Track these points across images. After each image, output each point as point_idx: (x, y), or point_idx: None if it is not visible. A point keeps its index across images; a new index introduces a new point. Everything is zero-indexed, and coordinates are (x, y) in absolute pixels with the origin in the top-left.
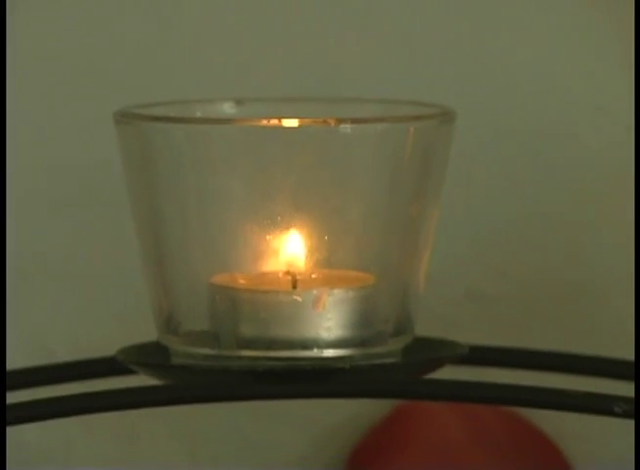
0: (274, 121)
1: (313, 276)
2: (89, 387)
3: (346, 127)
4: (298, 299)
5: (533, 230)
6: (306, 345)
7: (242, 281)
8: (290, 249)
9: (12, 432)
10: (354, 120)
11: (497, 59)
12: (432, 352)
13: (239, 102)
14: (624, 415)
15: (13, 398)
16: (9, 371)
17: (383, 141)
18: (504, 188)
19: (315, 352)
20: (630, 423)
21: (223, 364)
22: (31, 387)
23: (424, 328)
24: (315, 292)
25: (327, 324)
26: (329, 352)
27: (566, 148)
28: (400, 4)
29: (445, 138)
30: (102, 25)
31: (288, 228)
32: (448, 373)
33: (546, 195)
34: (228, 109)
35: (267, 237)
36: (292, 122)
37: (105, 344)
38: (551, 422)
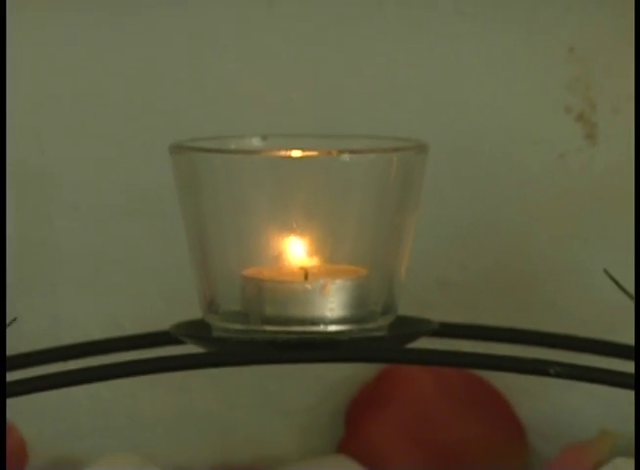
0: (291, 152)
1: (320, 270)
2: (151, 354)
3: (345, 157)
4: (309, 287)
5: (487, 233)
6: (315, 322)
7: (266, 274)
8: (302, 249)
9: (91, 388)
10: (351, 151)
11: (460, 103)
12: (410, 327)
13: (264, 137)
14: (557, 376)
15: (94, 361)
16: (88, 342)
17: (373, 167)
18: (465, 201)
19: (322, 328)
20: (566, 382)
21: (251, 337)
22: (106, 353)
23: (404, 309)
24: (322, 281)
25: (330, 306)
26: (332, 328)
27: (512, 170)
28: (386, 68)
29: (421, 164)
30: (162, 76)
31: (301, 234)
32: (423, 343)
33: (496, 207)
34: (255, 142)
35: (285, 240)
36: (304, 153)
37: (162, 321)
38: (502, 380)
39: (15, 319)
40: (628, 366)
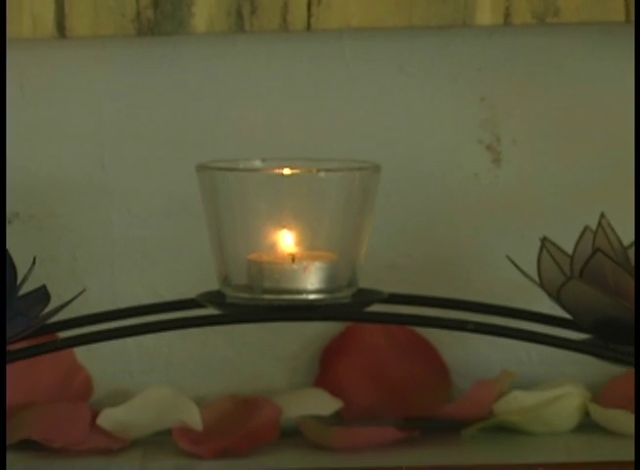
0: (283, 171)
1: (303, 255)
2: (182, 315)
3: (322, 174)
4: (295, 267)
5: (423, 230)
6: (299, 292)
7: (265, 258)
8: (291, 240)
9: (138, 339)
10: (326, 170)
11: (403, 137)
12: (367, 296)
13: (263, 160)
14: (472, 331)
15: (140, 320)
16: (136, 306)
17: (341, 181)
18: (407, 207)
19: (304, 296)
20: (478, 336)
21: (254, 303)
22: (149, 315)
23: (363, 284)
24: (304, 264)
25: (311, 281)
26: (312, 296)
27: (441, 185)
28: (350, 112)
29: (375, 180)
30: (191, 115)
31: (290, 229)
32: (376, 308)
33: (430, 211)
34: (257, 163)
35: (278, 234)
36: (292, 171)
37: (190, 292)
38: (432, 334)
39: (84, 290)
40: (521, 324)
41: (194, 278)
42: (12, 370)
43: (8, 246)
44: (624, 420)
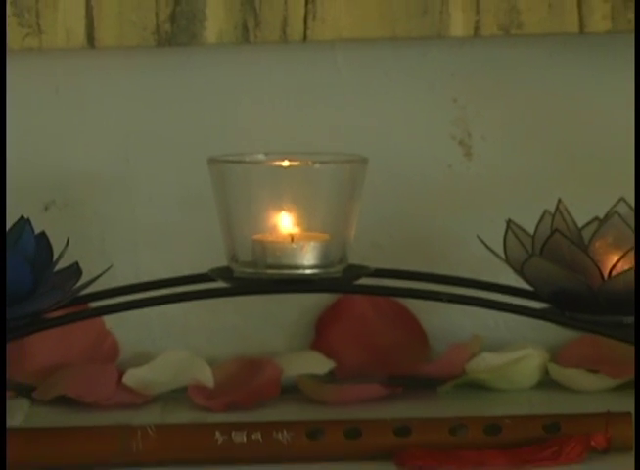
0: (283, 163)
1: (301, 236)
2: (197, 287)
3: (317, 166)
4: (294, 246)
5: (404, 215)
6: (297, 267)
7: (267, 238)
8: (290, 223)
9: (159, 308)
10: (320, 163)
11: (387, 133)
12: (356, 271)
13: (266, 154)
14: (447, 301)
15: (160, 293)
16: (157, 280)
17: (334, 172)
18: (390, 195)
19: (301, 271)
20: (451, 305)
21: (258, 277)
22: (170, 287)
23: (352, 260)
24: (302, 243)
25: (307, 258)
26: (308, 271)
27: (419, 175)
28: (341, 112)
29: (363, 171)
30: (205, 116)
31: (289, 213)
32: (363, 281)
33: (410, 198)
34: (261, 157)
35: (279, 217)
36: (291, 163)
37: (204, 267)
38: (412, 304)
39: (111, 266)
40: (489, 295)
41: (206, 256)
42: (49, 336)
43: (46, 229)
44: (579, 378)
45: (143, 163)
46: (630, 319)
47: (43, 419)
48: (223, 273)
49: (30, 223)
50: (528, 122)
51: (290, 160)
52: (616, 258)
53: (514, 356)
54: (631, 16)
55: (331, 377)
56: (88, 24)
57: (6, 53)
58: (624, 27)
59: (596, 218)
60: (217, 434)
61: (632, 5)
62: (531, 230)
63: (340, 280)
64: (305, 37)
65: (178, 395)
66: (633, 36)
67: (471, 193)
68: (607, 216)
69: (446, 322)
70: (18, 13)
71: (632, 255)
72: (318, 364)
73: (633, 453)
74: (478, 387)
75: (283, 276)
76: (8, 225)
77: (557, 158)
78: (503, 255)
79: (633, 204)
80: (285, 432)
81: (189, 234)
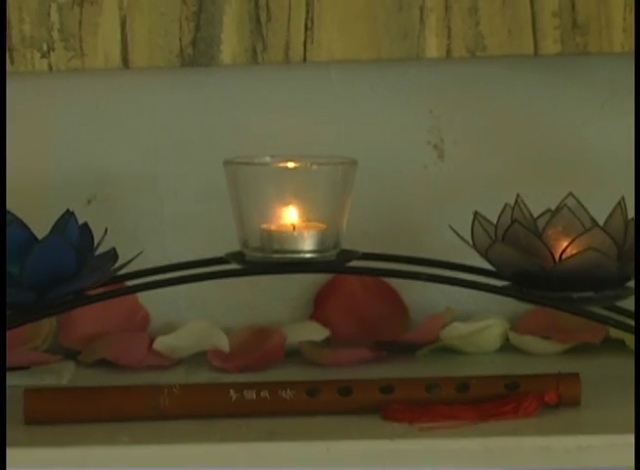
0: (287, 164)
1: (301, 225)
2: (214, 269)
3: (315, 167)
4: (296, 234)
5: (387, 208)
6: (298, 252)
7: (273, 227)
8: (293, 214)
9: (183, 286)
10: (317, 164)
11: (373, 140)
12: (347, 255)
13: (272, 157)
14: (425, 279)
15: (185, 273)
16: (182, 262)
17: (330, 173)
18: (375, 191)
19: (302, 255)
20: (428, 284)
21: (266, 260)
22: (192, 268)
23: (344, 246)
24: (302, 231)
25: (307, 244)
26: (307, 255)
27: (399, 174)
28: (334, 122)
29: (353, 171)
30: (221, 126)
31: (292, 206)
32: (354, 264)
33: (391, 194)
34: (268, 159)
35: (284, 210)
36: (293, 164)
37: (220, 252)
38: (395, 282)
39: (142, 251)
40: (460, 275)
41: (222, 242)
42: (91, 309)
43: (88, 221)
44: (534, 343)
45: (169, 164)
46: (577, 294)
47: (86, 379)
48: (236, 257)
49: (75, 215)
50: (492, 130)
51: (292, 162)
52: (565, 243)
53: (480, 326)
54: (579, 40)
55: (327, 343)
56: (123, 48)
57: (6, 54)
58: (572, 50)
59: (548, 210)
60: (231, 392)
61: (579, 31)
62: (494, 220)
63: (334, 262)
64: (305, 59)
65: (199, 358)
66: (579, 58)
67: (443, 189)
68: (558, 208)
69: (424, 297)
70: (64, 38)
71: (579, 241)
72: (316, 332)
73: (580, 408)
74: (450, 351)
75: (286, 259)
76: (55, 217)
77: (515, 160)
78: (471, 241)
79: (582, 198)
80: (288, 390)
81: (208, 224)
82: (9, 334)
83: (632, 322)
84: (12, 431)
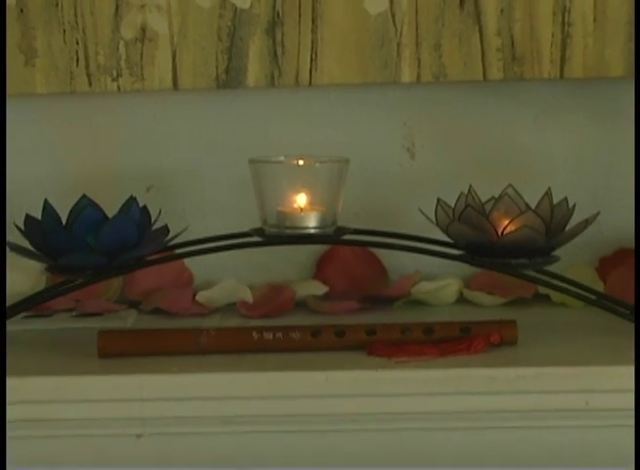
0: (297, 161)
1: (307, 208)
2: (242, 240)
3: (318, 164)
4: (303, 215)
5: (372, 197)
6: (305, 228)
7: (286, 209)
8: (301, 200)
9: (218, 254)
10: (320, 162)
11: (359, 145)
12: (342, 230)
13: (285, 156)
14: (400, 249)
15: (220, 243)
16: (218, 235)
17: (329, 169)
18: (363, 184)
19: (307, 231)
20: (401, 252)
21: (280, 234)
22: (225, 240)
23: (340, 223)
24: (308, 212)
25: (311, 222)
26: (312, 231)
27: (381, 171)
28: (330, 136)
29: (346, 168)
30: (247, 136)
31: (300, 194)
32: (347, 237)
33: (375, 185)
34: (282, 158)
35: (294, 197)
36: (301, 162)
37: (245, 227)
38: (378, 251)
39: (187, 227)
40: (427, 246)
41: (247, 220)
42: (149, 270)
43: (147, 204)
44: (481, 297)
45: (208, 161)
46: (514, 261)
47: (144, 323)
48: (258, 231)
49: (137, 200)
50: (452, 137)
51: (300, 160)
52: (506, 222)
53: (441, 284)
54: (517, 69)
55: (325, 297)
56: (173, 74)
57: (6, 57)
58: (511, 77)
59: (493, 197)
60: (254, 333)
61: (517, 62)
62: (453, 205)
63: (331, 236)
64: (310, 83)
65: (230, 308)
66: (517, 83)
67: (414, 182)
68: (500, 196)
69: (399, 262)
70: (129, 67)
71: (516, 221)
72: (317, 289)
73: (517, 347)
74: (418, 303)
75: (296, 233)
76: (122, 201)
77: (469, 159)
78: (435, 220)
79: (519, 188)
80: (296, 332)
81: (237, 206)
82: (88, 288)
83: (556, 281)
84: (88, 363)
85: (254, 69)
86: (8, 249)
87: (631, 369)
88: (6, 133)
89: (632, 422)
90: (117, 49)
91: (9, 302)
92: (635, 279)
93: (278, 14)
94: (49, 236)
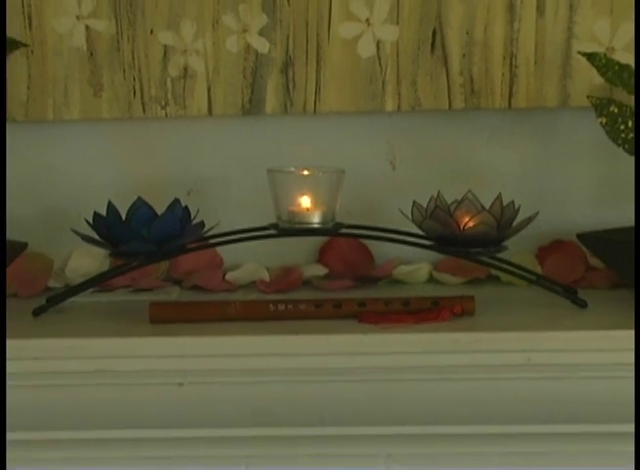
0: (303, 171)
1: (312, 207)
2: (260, 233)
3: (320, 174)
4: (309, 213)
5: (362, 199)
6: (310, 224)
7: (296, 208)
8: (306, 202)
9: (243, 244)
10: (322, 172)
11: (353, 163)
12: (338, 225)
13: (295, 167)
14: (385, 240)
15: (242, 235)
16: (242, 229)
17: (329, 177)
18: (355, 190)
19: (312, 226)
20: (386, 244)
21: (291, 228)
22: (247, 232)
23: (337, 220)
24: (312, 211)
25: (315, 219)
26: (315, 226)
27: (370, 179)
28: (331, 157)
29: (343, 177)
30: (265, 153)
31: (306, 196)
32: (343, 231)
33: (363, 190)
34: (293, 169)
35: (301, 199)
36: (307, 172)
37: (263, 222)
38: (367, 242)
39: (218, 222)
40: (405, 237)
41: (265, 217)
42: (189, 256)
43: (188, 204)
44: (447, 278)
45: (235, 170)
46: (473, 249)
47: (185, 297)
48: (273, 226)
49: (180, 201)
50: (425, 154)
51: (307, 170)
52: (466, 220)
53: (416, 267)
54: (475, 100)
55: (326, 277)
56: (209, 104)
57: (6, 59)
58: (471, 106)
59: (456, 200)
60: (270, 305)
61: (475, 95)
62: (425, 206)
63: (331, 230)
64: (315, 111)
65: (251, 285)
66: (475, 111)
67: (395, 188)
68: (462, 199)
69: (383, 250)
70: (174, 98)
71: (474, 219)
72: (320, 270)
73: (474, 316)
74: (398, 282)
75: (303, 228)
76: (168, 202)
77: (438, 171)
78: (411, 218)
79: (477, 193)
80: (303, 304)
81: (257, 206)
82: (142, 269)
83: (505, 265)
84: (141, 327)
85: (271, 100)
86: (79, 238)
87: (564, 334)
88: (6, 133)
89: (564, 375)
90: (165, 84)
91: (81, 280)
92: (635, 279)
93: (290, 57)
94: (112, 229)
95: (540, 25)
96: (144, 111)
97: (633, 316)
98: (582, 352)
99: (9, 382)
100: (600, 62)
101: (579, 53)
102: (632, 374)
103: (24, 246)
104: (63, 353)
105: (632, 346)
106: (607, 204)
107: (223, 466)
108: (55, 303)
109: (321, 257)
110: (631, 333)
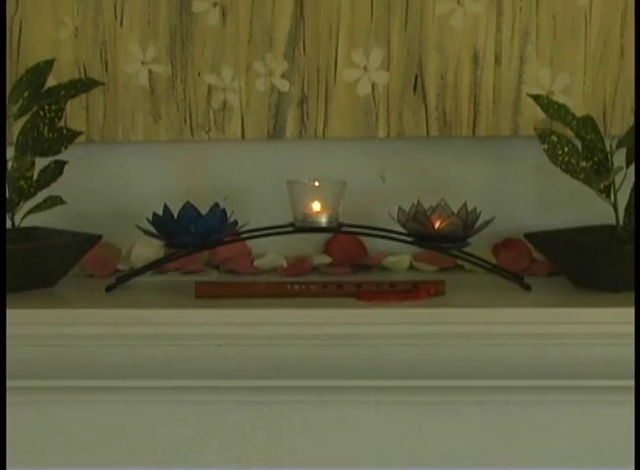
0: (314, 183)
1: (320, 211)
2: (281, 230)
3: (327, 185)
4: (318, 215)
5: (358, 205)
6: (319, 223)
7: (308, 212)
8: (316, 206)
9: (267, 238)
10: (329, 183)
11: (354, 179)
12: (341, 225)
13: (309, 179)
14: (376, 237)
15: (267, 231)
16: (266, 227)
17: (334, 188)
18: (353, 197)
19: (320, 225)
20: (380, 240)
21: (304, 226)
22: (270, 229)
23: (340, 220)
24: (321, 214)
25: (323, 220)
26: (323, 225)
27: (365, 189)
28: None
29: (344, 188)
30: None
31: (316, 202)
32: (345, 229)
33: (354, 196)
34: (307, 181)
35: (312, 204)
36: (317, 183)
37: (283, 221)
38: (363, 238)
39: (248, 222)
40: (392, 235)
41: (285, 218)
42: (226, 247)
43: (225, 207)
44: (424, 266)
45: (263, 182)
46: (444, 245)
47: (223, 278)
48: (291, 225)
49: (219, 205)
50: (407, 171)
51: (317, 181)
52: (439, 222)
53: (400, 258)
54: (447, 129)
55: (330, 264)
56: (242, 130)
57: (6, 59)
58: (444, 134)
59: (432, 207)
60: (288, 285)
61: (447, 125)
62: (408, 210)
63: (335, 228)
64: (323, 136)
65: (273, 270)
66: (449, 138)
67: (385, 197)
68: (436, 206)
69: (375, 244)
70: (215, 124)
71: (446, 221)
72: (325, 259)
73: (445, 296)
74: (386, 269)
75: (314, 226)
76: (209, 206)
77: (418, 185)
78: (397, 220)
79: (449, 202)
80: (314, 286)
81: (279, 209)
82: (189, 257)
83: (468, 257)
84: (188, 301)
85: (290, 127)
86: (141, 232)
87: (514, 310)
88: (6, 134)
89: (513, 342)
90: (209, 114)
91: (142, 265)
92: (636, 279)
93: (305, 95)
94: (167, 225)
95: (498, 73)
96: (192, 135)
97: (566, 297)
98: (528, 324)
99: (90, 342)
100: (543, 102)
101: (528, 95)
102: (565, 342)
103: (99, 238)
104: (128, 320)
105: (565, 319)
106: (547, 211)
107: (250, 409)
108: (122, 281)
109: (327, 249)
110: (565, 310)
